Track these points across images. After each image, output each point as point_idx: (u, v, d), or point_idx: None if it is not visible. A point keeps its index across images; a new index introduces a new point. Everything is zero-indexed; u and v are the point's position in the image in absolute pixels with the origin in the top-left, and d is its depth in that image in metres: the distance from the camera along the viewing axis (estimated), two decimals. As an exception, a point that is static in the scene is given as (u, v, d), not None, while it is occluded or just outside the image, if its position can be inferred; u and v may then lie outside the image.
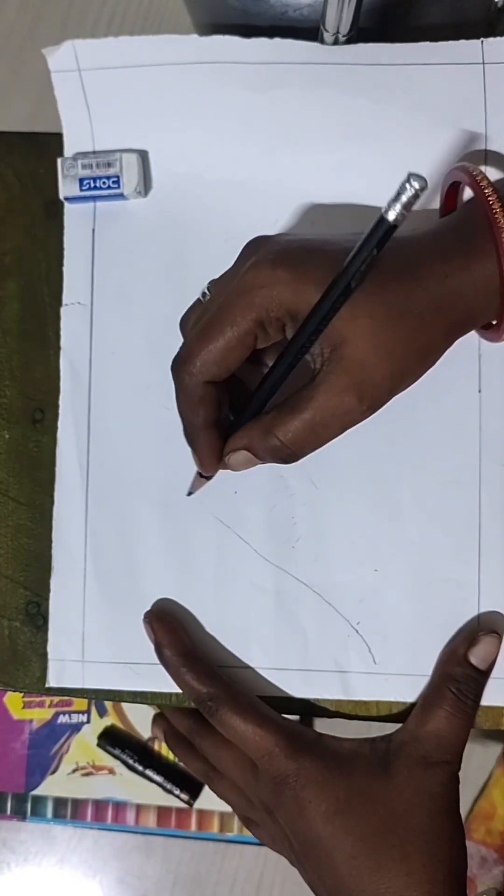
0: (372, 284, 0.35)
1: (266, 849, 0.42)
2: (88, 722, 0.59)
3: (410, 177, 0.32)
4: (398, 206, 0.32)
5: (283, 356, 0.36)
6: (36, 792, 0.58)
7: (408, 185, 0.32)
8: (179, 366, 0.37)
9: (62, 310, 0.44)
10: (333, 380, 0.35)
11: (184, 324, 0.39)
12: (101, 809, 0.58)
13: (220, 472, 0.40)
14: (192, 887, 0.58)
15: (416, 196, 0.32)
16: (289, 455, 0.37)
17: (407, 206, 0.32)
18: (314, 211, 0.42)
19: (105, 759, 0.58)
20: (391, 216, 0.33)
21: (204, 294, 0.38)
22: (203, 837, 0.57)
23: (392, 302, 0.35)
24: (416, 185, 0.32)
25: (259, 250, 0.36)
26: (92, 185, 0.42)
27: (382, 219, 0.33)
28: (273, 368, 0.37)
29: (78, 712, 0.58)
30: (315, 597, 0.41)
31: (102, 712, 0.59)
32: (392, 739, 0.39)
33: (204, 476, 0.41)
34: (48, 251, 0.44)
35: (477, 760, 0.56)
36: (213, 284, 0.38)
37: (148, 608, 0.42)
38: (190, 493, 0.42)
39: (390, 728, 0.40)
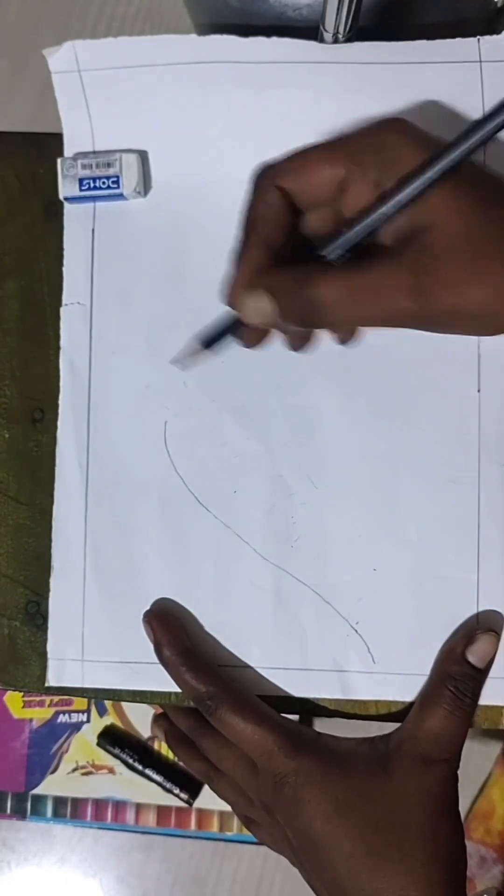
0: (488, 199, 0.33)
1: (266, 848, 0.42)
2: (88, 721, 0.59)
3: None
4: None
5: (361, 216, 0.33)
6: (36, 791, 0.58)
7: None
8: (262, 167, 0.35)
9: (62, 310, 0.44)
10: (406, 261, 0.32)
11: None
12: (100, 808, 0.58)
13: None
14: (192, 886, 0.58)
15: None
16: (314, 316, 0.32)
17: None
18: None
19: (105, 758, 0.58)
20: None
21: None
22: (203, 836, 0.57)
23: (496, 218, 0.32)
24: None
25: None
26: (92, 185, 0.42)
27: None
28: (343, 226, 0.34)
29: (78, 711, 0.58)
30: (314, 596, 0.42)
31: (102, 711, 0.59)
32: (391, 738, 0.39)
33: (205, 346, 0.37)
34: (48, 251, 0.44)
35: (476, 760, 0.56)
36: None
37: (147, 608, 0.42)
38: (174, 362, 0.40)
39: (389, 727, 0.40)
